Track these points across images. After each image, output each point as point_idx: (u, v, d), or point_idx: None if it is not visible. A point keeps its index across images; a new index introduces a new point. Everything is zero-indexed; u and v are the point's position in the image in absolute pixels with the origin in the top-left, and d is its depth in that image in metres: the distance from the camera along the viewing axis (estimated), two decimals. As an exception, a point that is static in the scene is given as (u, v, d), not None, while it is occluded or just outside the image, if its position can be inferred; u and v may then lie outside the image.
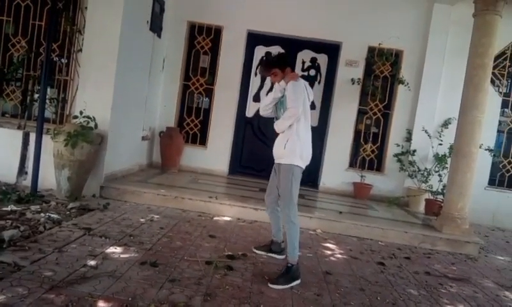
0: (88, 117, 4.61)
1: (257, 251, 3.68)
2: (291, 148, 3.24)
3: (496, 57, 6.73)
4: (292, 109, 3.21)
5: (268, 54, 6.95)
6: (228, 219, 4.78)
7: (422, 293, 3.30)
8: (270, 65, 3.46)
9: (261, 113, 3.56)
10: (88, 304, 2.27)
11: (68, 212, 4.03)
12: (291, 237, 3.19)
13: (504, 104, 7.01)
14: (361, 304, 2.88)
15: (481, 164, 6.39)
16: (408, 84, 6.62)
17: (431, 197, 6.27)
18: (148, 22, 5.83)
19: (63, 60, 5.61)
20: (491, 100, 6.33)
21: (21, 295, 2.25)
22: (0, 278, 2.42)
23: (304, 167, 3.33)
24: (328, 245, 4.31)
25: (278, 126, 3.37)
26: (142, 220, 4.17)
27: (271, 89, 6.86)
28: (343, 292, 3.06)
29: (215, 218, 4.72)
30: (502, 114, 7.12)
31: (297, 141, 3.25)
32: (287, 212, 3.22)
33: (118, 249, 3.22)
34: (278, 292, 2.87)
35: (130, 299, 2.41)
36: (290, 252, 3.17)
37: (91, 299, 2.33)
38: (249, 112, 7.10)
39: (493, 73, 6.77)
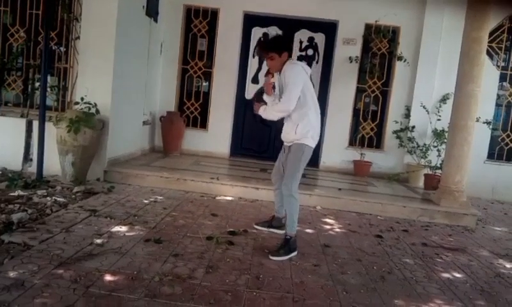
0: (89, 103, 4.68)
1: (258, 227, 3.79)
2: (302, 132, 3.25)
3: (494, 31, 6.74)
4: (285, 104, 3.18)
5: (265, 34, 6.98)
6: (229, 198, 4.89)
7: (418, 262, 3.41)
8: (267, 48, 3.31)
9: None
10: (96, 277, 2.39)
11: (73, 196, 4.15)
12: (291, 211, 3.28)
13: (502, 78, 7.03)
14: (358, 273, 3.00)
15: (480, 137, 6.47)
16: (405, 60, 6.64)
17: (430, 172, 6.34)
18: (143, 6, 5.86)
19: (61, 48, 5.65)
20: (489, 74, 6.38)
21: (32, 271, 2.37)
22: (11, 257, 2.54)
23: (314, 147, 3.36)
24: (327, 220, 4.42)
25: (266, 114, 3.31)
26: (146, 201, 4.28)
27: (268, 72, 6.99)
28: (340, 263, 3.17)
29: (217, 198, 4.84)
30: (501, 87, 7.14)
31: (308, 125, 3.26)
32: (290, 186, 3.25)
33: (123, 228, 3.33)
34: (277, 263, 2.99)
35: (135, 272, 2.53)
36: (290, 225, 3.27)
37: (98, 273, 2.45)
38: (249, 94, 7.15)
39: (491, 47, 6.78)
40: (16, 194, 3.92)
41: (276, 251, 3.15)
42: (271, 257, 3.07)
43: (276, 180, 3.65)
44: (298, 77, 3.20)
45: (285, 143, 3.49)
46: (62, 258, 2.60)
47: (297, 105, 3.23)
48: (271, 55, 3.24)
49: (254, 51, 7.08)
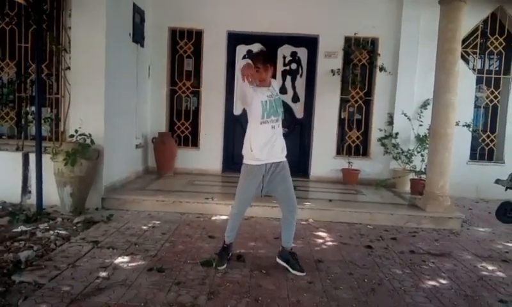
0: (84, 134, 4.83)
1: (221, 267, 3.42)
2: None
3: (469, 36, 7.05)
4: None
5: (249, 52, 7.19)
6: (225, 217, 5.01)
7: (406, 271, 3.62)
8: (269, 59, 3.38)
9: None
10: (106, 313, 2.56)
11: (74, 227, 4.29)
12: (294, 228, 3.54)
13: (479, 80, 7.32)
14: (350, 288, 3.20)
15: (461, 140, 6.76)
16: (386, 70, 6.89)
17: (416, 177, 6.59)
18: (130, 34, 6.02)
19: (52, 79, 5.78)
20: (465, 79, 6.67)
21: (46, 311, 2.53)
22: (24, 297, 2.69)
23: None
24: (319, 233, 4.62)
25: None
26: (144, 227, 4.44)
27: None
28: (333, 278, 3.37)
29: (213, 218, 5.00)
30: (478, 89, 7.43)
31: None
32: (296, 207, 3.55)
33: (126, 259, 3.49)
34: (274, 283, 3.18)
35: (142, 304, 2.70)
36: (291, 241, 3.55)
37: (108, 308, 2.62)
38: (237, 110, 7.34)
39: (466, 52, 7.10)
40: (19, 230, 4.05)
41: (300, 266, 3.41)
42: (302, 273, 3.35)
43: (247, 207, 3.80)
44: None
45: (274, 160, 3.45)
46: (72, 295, 2.75)
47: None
48: (268, 66, 3.33)
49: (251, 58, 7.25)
